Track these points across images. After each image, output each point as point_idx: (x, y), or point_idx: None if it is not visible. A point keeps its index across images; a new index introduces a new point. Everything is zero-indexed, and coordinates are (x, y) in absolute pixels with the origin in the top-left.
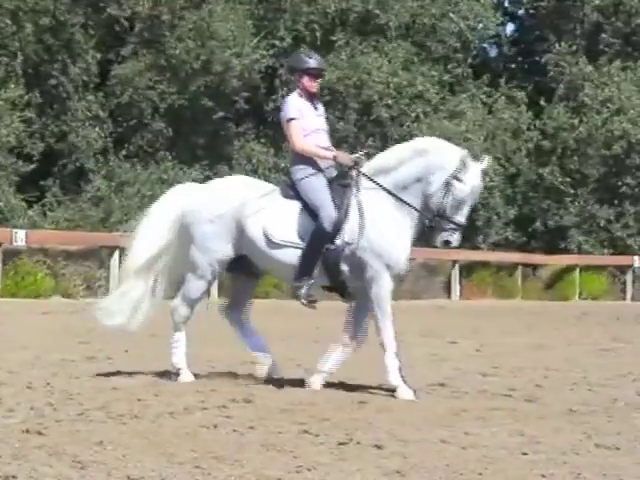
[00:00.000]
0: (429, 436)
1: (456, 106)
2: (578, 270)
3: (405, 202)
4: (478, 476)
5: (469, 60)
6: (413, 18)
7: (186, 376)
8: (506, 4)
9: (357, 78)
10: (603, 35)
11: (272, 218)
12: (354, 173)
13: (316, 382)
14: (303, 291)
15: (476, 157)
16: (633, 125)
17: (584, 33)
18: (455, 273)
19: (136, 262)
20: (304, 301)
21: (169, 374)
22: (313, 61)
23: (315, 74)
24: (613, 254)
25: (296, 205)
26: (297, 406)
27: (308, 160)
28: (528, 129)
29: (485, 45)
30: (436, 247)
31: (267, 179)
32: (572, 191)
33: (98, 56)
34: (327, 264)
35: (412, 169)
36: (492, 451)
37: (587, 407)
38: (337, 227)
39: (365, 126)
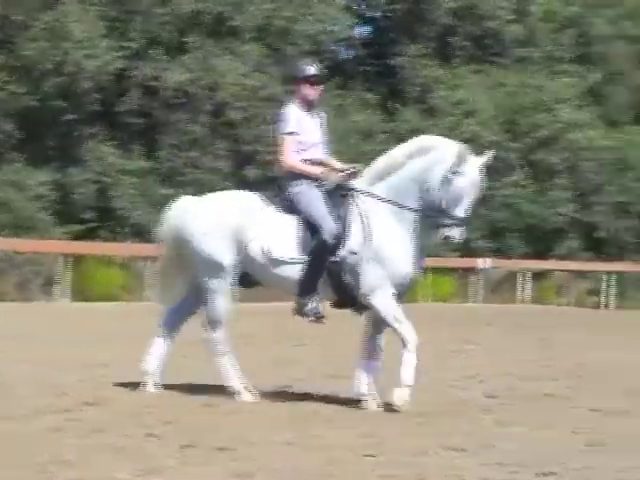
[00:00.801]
0: (275, 438)
1: None
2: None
3: (403, 206)
4: (324, 478)
5: (322, 62)
6: (266, 20)
7: (246, 396)
8: (359, 7)
9: (210, 80)
10: (455, 38)
11: (270, 234)
12: (348, 186)
13: (372, 405)
14: (309, 307)
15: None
16: (484, 127)
17: (436, 36)
18: None
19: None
20: (312, 318)
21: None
22: (312, 69)
23: (315, 82)
24: (460, 256)
25: (293, 219)
26: (145, 409)
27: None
28: (380, 132)
29: (338, 48)
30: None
31: (118, 181)
32: None
33: None
34: (330, 278)
35: (411, 166)
36: (338, 453)
37: (435, 408)
38: (339, 239)
39: (217, 128)
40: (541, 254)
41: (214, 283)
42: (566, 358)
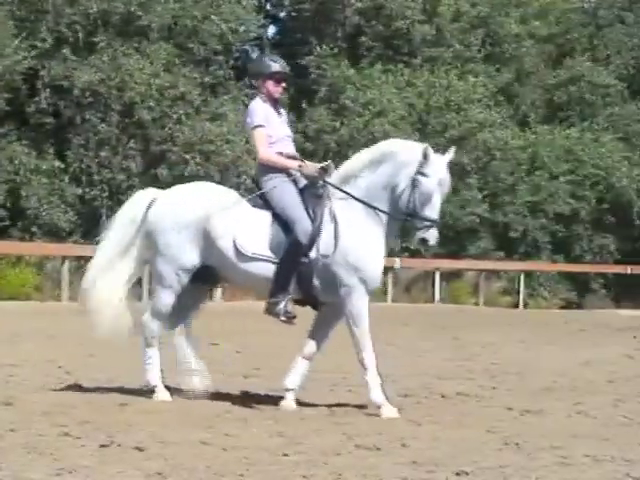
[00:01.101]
0: (190, 438)
1: (218, 108)
2: None
3: (375, 208)
4: (239, 477)
5: (231, 62)
6: (175, 20)
7: (162, 394)
8: (268, 6)
9: (119, 79)
10: (364, 38)
11: (243, 230)
12: (322, 183)
13: (289, 402)
14: (280, 307)
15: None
16: (394, 127)
17: (345, 36)
18: None
19: (94, 271)
20: (283, 318)
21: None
22: (277, 65)
23: (279, 78)
24: None
25: (267, 216)
26: (58, 408)
27: (277, 169)
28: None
29: (247, 47)
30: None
31: (29, 181)
32: None
33: None
34: (300, 278)
35: (379, 173)
36: (253, 452)
37: (347, 408)
38: (312, 240)
39: (127, 128)
40: (454, 254)
41: (170, 278)
42: (480, 357)
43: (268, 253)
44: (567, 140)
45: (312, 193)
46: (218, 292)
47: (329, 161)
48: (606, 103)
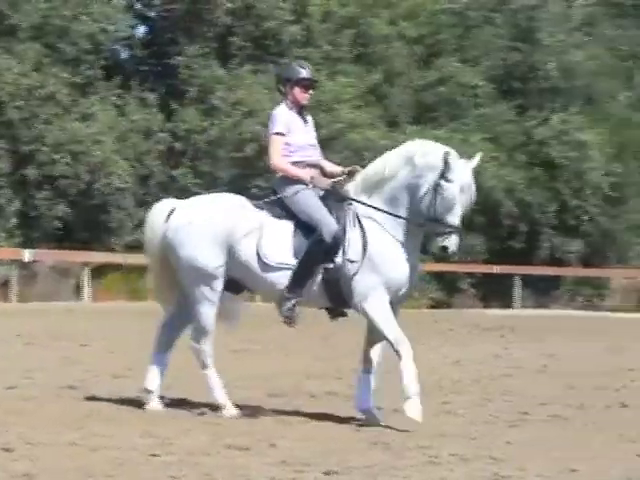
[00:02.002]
0: (60, 439)
1: (88, 108)
2: None
3: (396, 215)
4: (109, 478)
5: (101, 62)
6: (44, 19)
7: (232, 410)
8: (138, 6)
9: None
10: (234, 38)
11: (265, 239)
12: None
13: (375, 419)
14: (285, 308)
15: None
16: (264, 127)
17: (216, 36)
18: (86, 275)
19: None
20: (282, 319)
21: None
22: (306, 71)
23: (307, 85)
24: None
25: (289, 224)
26: None
27: (294, 180)
28: (160, 131)
29: (117, 47)
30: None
31: None
32: (204, 193)
33: None
34: (327, 284)
35: (400, 178)
36: (123, 453)
37: (217, 407)
38: (337, 242)
39: None
40: None
41: (202, 292)
42: (349, 357)
43: (292, 262)
44: (436, 140)
45: (334, 198)
46: (87, 293)
47: (353, 166)
48: (475, 104)
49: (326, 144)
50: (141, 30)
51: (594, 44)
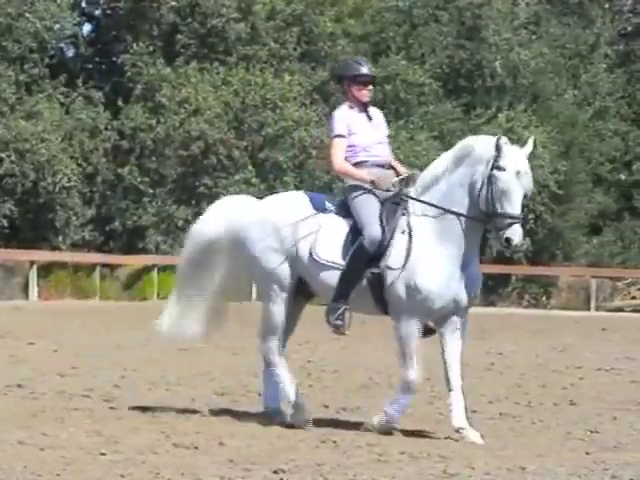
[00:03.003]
0: (6, 437)
1: (33, 106)
2: (157, 270)
3: (456, 213)
4: (56, 477)
5: (46, 60)
6: None
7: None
8: (83, 4)
9: None
10: (180, 36)
11: (322, 237)
12: (400, 196)
13: (471, 435)
14: (332, 316)
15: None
16: (210, 126)
17: (161, 34)
18: (33, 274)
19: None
20: (332, 328)
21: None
22: (363, 67)
23: (365, 81)
24: None
25: (347, 226)
26: None
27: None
28: (106, 129)
29: (62, 45)
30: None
31: None
32: (151, 191)
33: None
34: (374, 291)
35: (457, 174)
36: (70, 452)
37: (165, 407)
38: (379, 248)
39: None
40: None
41: (272, 289)
42: (297, 355)
43: (341, 261)
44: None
45: (391, 205)
46: (34, 291)
47: (414, 171)
48: (421, 102)
49: (273, 142)
50: (86, 28)
51: (540, 42)
